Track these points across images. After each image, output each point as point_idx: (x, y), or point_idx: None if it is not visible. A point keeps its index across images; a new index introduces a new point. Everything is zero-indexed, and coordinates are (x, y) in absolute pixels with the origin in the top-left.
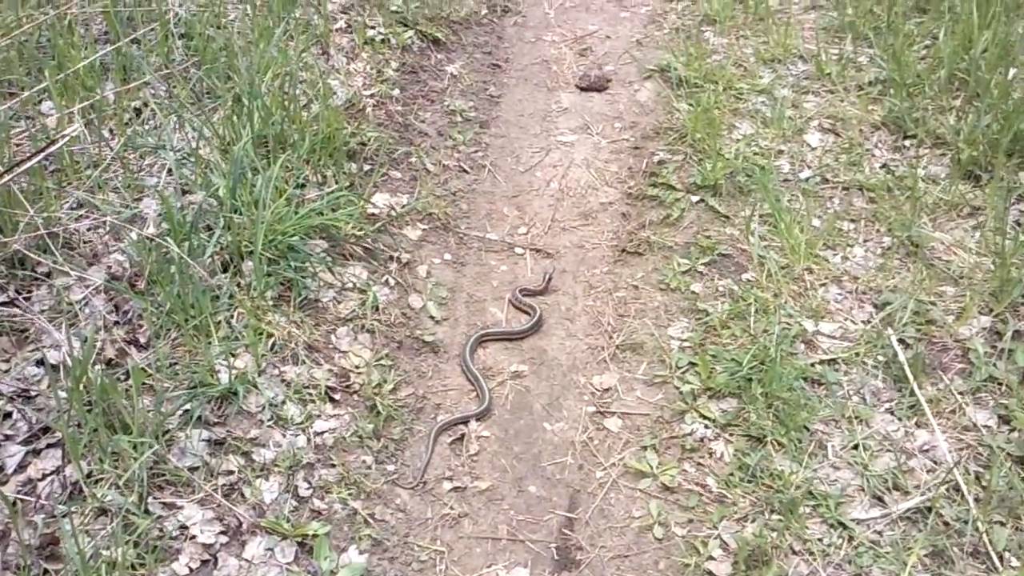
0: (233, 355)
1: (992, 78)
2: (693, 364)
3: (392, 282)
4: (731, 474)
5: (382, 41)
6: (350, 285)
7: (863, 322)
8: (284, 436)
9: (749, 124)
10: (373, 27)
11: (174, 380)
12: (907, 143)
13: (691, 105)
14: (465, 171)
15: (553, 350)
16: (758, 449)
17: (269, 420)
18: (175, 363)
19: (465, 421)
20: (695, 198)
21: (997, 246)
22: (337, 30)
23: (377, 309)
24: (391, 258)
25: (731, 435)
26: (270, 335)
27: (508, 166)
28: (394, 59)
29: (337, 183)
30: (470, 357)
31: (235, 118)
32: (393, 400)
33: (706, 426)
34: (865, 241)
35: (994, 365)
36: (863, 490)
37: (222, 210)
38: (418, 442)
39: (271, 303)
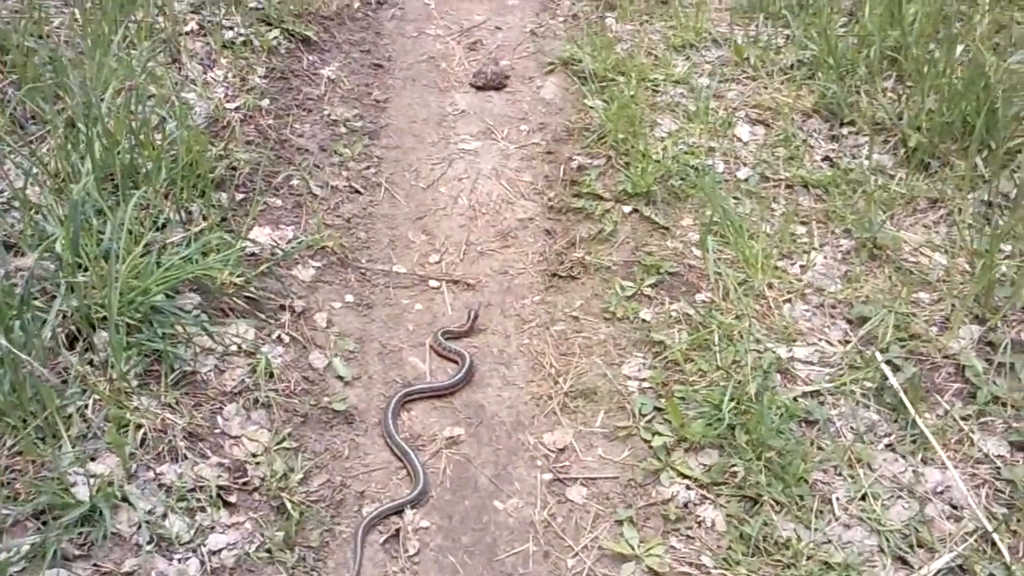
0: (92, 459)
1: (930, 54)
2: (659, 410)
3: (286, 338)
4: (730, 547)
5: (243, 43)
6: (234, 348)
7: (840, 342)
8: (170, 563)
9: (671, 119)
10: (231, 27)
11: (13, 506)
12: (844, 131)
13: (605, 102)
14: (358, 191)
15: (491, 405)
16: (755, 512)
17: (148, 543)
18: (13, 480)
19: (398, 511)
20: (627, 208)
21: (968, 244)
22: (188, 33)
23: (271, 376)
24: (281, 307)
25: (719, 496)
26: (138, 426)
27: (407, 182)
28: (259, 64)
29: (206, 220)
30: (393, 425)
31: (70, 148)
32: (305, 494)
33: (688, 487)
34: (822, 245)
35: (994, 383)
36: (883, 551)
37: (62, 270)
38: (342, 546)
39: (136, 383)
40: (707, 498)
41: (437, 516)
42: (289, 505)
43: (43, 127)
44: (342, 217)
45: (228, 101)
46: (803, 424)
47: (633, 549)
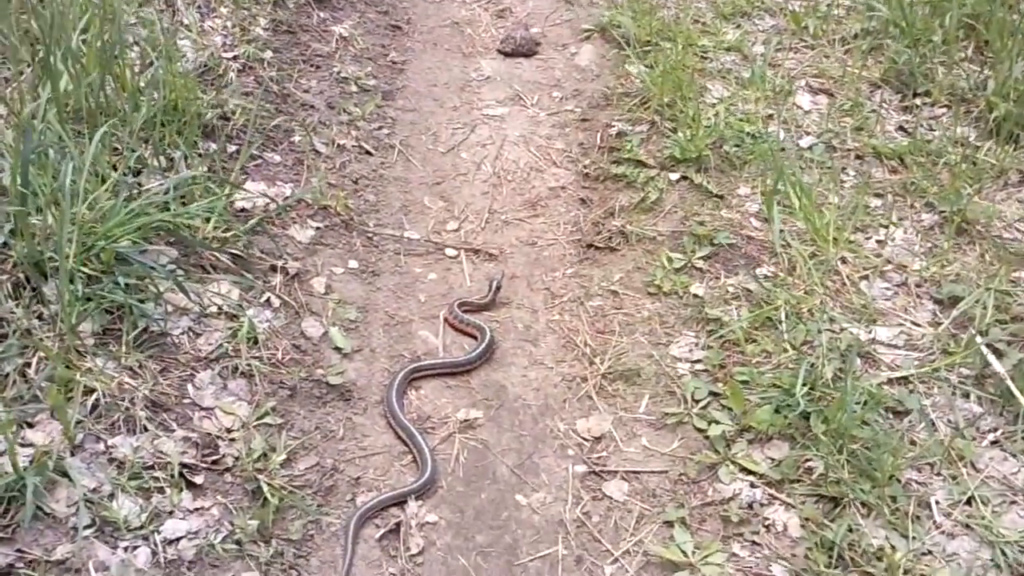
0: (30, 426)
1: (1016, 19)
2: (716, 395)
3: (276, 302)
4: (807, 556)
5: None
6: (214, 309)
7: (930, 324)
8: (114, 551)
9: (722, 86)
10: None
11: None
12: (918, 101)
13: (648, 66)
14: (368, 152)
15: (515, 386)
16: (837, 515)
17: (87, 527)
18: None
19: (399, 502)
20: (674, 175)
21: None
22: None
23: (255, 342)
24: (273, 269)
25: (791, 496)
26: (90, 390)
27: (423, 146)
28: (263, 16)
29: (190, 168)
30: (398, 403)
31: (39, 85)
32: (287, 478)
33: (752, 484)
34: (900, 219)
35: None
36: (999, 566)
37: (8, 206)
38: (330, 541)
39: (92, 342)
40: (776, 498)
41: (447, 510)
42: (267, 490)
43: (13, 66)
44: (348, 178)
45: (226, 51)
46: (890, 415)
47: (686, 556)
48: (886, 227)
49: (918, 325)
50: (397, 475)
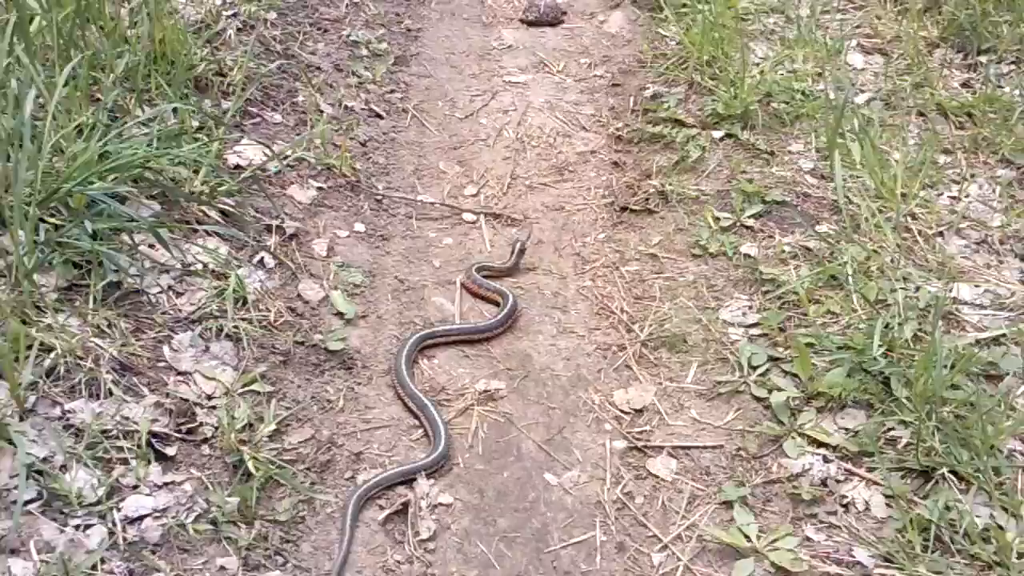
0: None
1: None
2: (777, 361)
3: (271, 262)
4: (897, 539)
5: None
6: (198, 266)
7: (1021, 282)
8: (62, 530)
9: (767, 46)
10: None
11: None
12: (983, 59)
13: (684, 29)
14: (378, 115)
15: (541, 355)
16: (931, 491)
17: (34, 502)
18: None
19: (408, 479)
20: (717, 133)
21: None
22: None
23: (244, 303)
24: (268, 229)
25: (873, 470)
26: (48, 348)
27: (440, 112)
28: None
29: (182, 123)
30: (408, 372)
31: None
32: (276, 452)
33: (825, 458)
34: (973, 176)
35: None
36: None
37: None
38: (325, 524)
39: (56, 296)
40: (854, 473)
41: (463, 490)
42: (251, 464)
43: None
44: (356, 140)
45: (225, 8)
46: (982, 379)
47: (750, 540)
48: (958, 183)
49: (1005, 284)
50: (405, 451)
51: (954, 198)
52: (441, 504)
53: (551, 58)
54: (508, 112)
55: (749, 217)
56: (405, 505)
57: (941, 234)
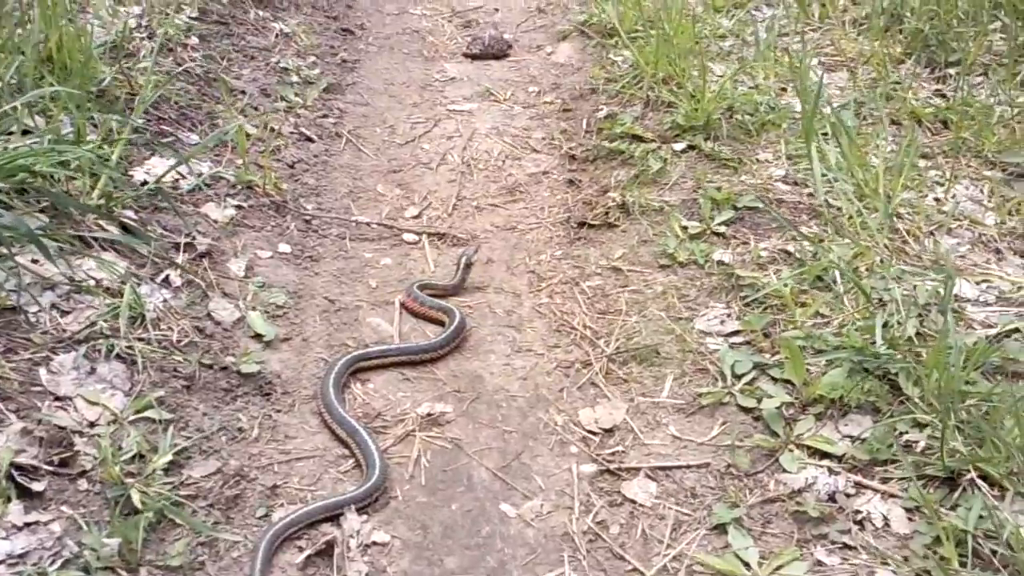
0: None
1: None
2: (764, 367)
3: (177, 280)
4: (930, 555)
5: None
6: (90, 283)
7: None
8: None
9: (724, 66)
10: None
11: None
12: (952, 71)
13: (635, 54)
14: (309, 139)
15: (494, 376)
16: (959, 499)
17: None
18: None
19: (334, 516)
20: (679, 146)
21: None
22: None
23: (142, 322)
24: (176, 247)
25: (888, 481)
26: None
27: (378, 137)
28: (191, 6)
29: (79, 135)
30: (337, 397)
31: None
32: (171, 486)
33: (830, 470)
34: (955, 177)
35: None
36: None
37: None
38: (229, 569)
39: None
40: (866, 485)
41: (403, 526)
42: (138, 499)
43: None
44: (283, 161)
45: (140, 32)
46: (998, 376)
47: (749, 568)
48: (942, 185)
49: (1007, 278)
50: (332, 484)
51: (939, 200)
52: (375, 543)
53: (497, 88)
54: (452, 138)
55: (720, 224)
56: (330, 545)
57: (931, 234)
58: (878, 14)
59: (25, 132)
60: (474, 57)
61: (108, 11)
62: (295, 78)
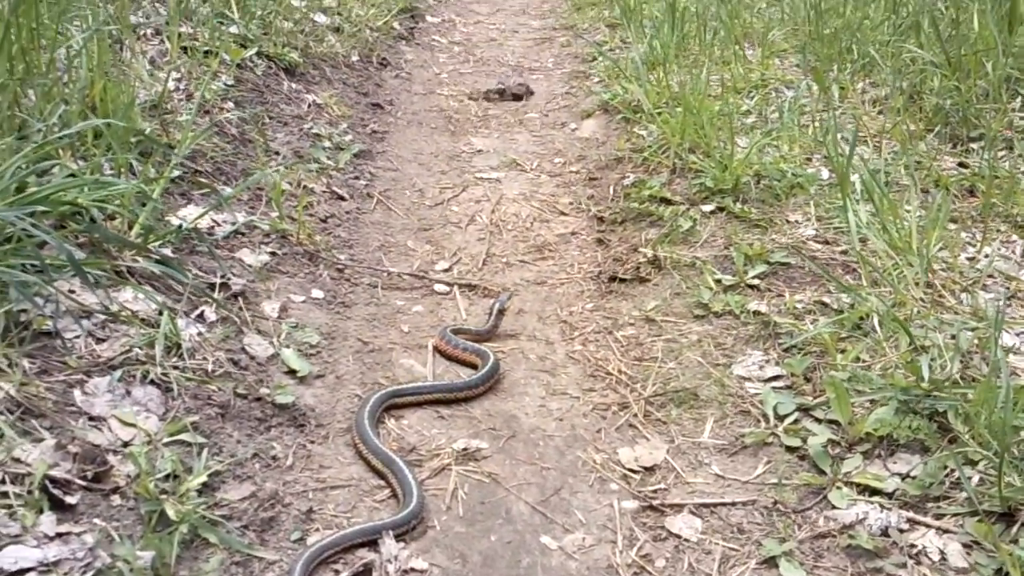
0: None
1: None
2: (807, 409)
3: (212, 316)
4: None
5: (207, 53)
6: (125, 314)
7: None
8: None
9: (748, 139)
10: (196, 39)
11: None
12: (974, 146)
13: (660, 126)
14: (341, 198)
15: (530, 416)
16: (1018, 532)
17: None
18: None
19: (371, 540)
20: (707, 207)
21: None
22: (141, 36)
23: (178, 350)
24: (211, 287)
25: (941, 517)
26: None
27: (408, 199)
28: (227, 74)
29: (117, 173)
30: (372, 429)
31: None
32: (205, 505)
33: (882, 506)
34: (985, 238)
35: None
36: None
37: None
38: None
39: None
40: (919, 521)
41: (441, 555)
42: (172, 512)
43: None
44: (315, 216)
45: (178, 93)
46: None
47: None
48: (973, 245)
49: None
50: (368, 512)
51: (972, 258)
52: (414, 569)
53: (523, 159)
54: (480, 202)
55: (753, 277)
56: (367, 569)
57: (967, 289)
58: (897, 93)
59: (68, 176)
60: (499, 94)
61: (147, 73)
62: (327, 143)
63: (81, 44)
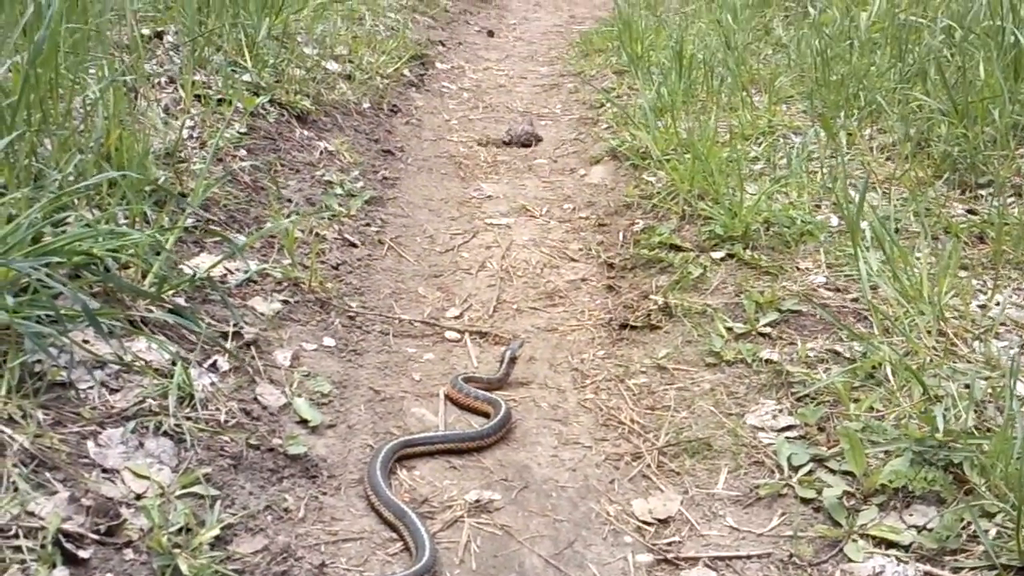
0: None
1: None
2: (821, 460)
3: (225, 365)
4: None
5: (220, 101)
6: (139, 364)
7: None
8: None
9: (756, 186)
10: (209, 87)
11: None
12: (982, 192)
13: (669, 173)
14: (352, 245)
15: (542, 467)
16: None
17: None
18: None
19: None
20: (717, 254)
21: None
22: (155, 85)
23: (191, 401)
24: (224, 336)
25: (957, 571)
26: None
27: (418, 245)
28: (240, 122)
29: (131, 223)
30: (383, 479)
31: None
32: (216, 559)
33: (899, 559)
34: (997, 286)
35: None
36: None
37: None
38: None
39: None
40: (935, 575)
41: None
42: (185, 568)
43: None
44: (327, 263)
45: (192, 141)
46: None
47: None
48: (984, 293)
49: None
50: (381, 565)
51: (983, 306)
52: None
53: (533, 205)
54: (490, 248)
55: (765, 325)
56: None
57: (979, 337)
58: (905, 140)
59: (84, 227)
60: (506, 144)
61: (161, 122)
62: (339, 190)
63: (98, 94)
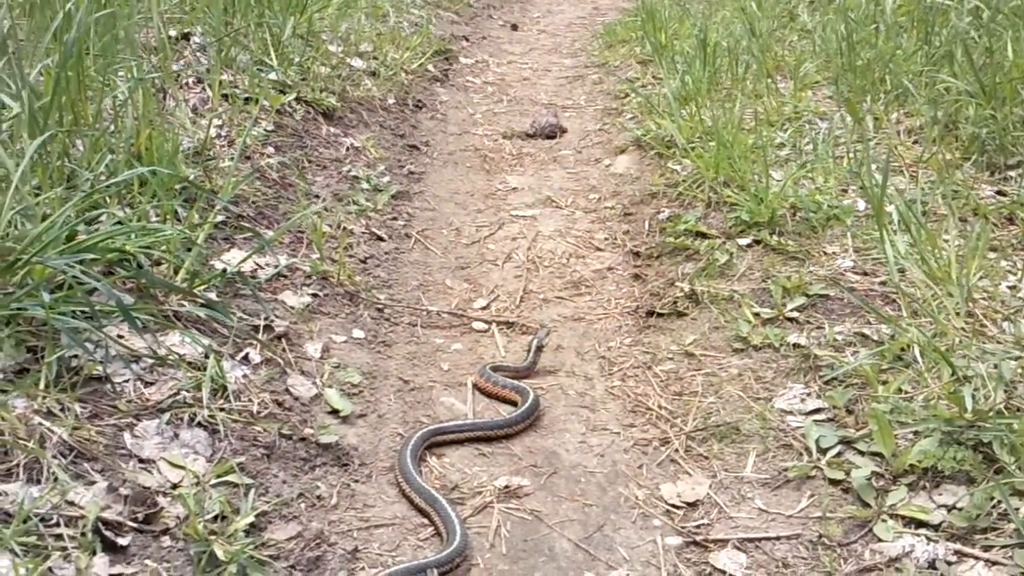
0: None
1: None
2: (849, 442)
3: (256, 358)
4: None
5: (247, 100)
6: (172, 357)
7: None
8: None
9: (782, 172)
10: (236, 86)
11: None
12: (1012, 173)
13: (694, 161)
14: (380, 239)
15: (570, 453)
16: None
17: None
18: None
19: None
20: (744, 240)
21: None
22: (183, 85)
23: (224, 392)
24: (255, 329)
25: (990, 549)
26: None
27: (445, 238)
28: (267, 120)
29: (163, 220)
30: (415, 467)
31: None
32: (252, 546)
33: (928, 538)
34: None
35: None
36: None
37: None
38: None
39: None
40: (966, 553)
41: None
42: (221, 553)
43: None
44: (355, 257)
45: (219, 139)
46: None
47: None
48: (1014, 274)
49: None
50: (412, 550)
51: (1013, 287)
52: None
53: (558, 196)
54: (516, 239)
55: (792, 310)
56: None
57: (1008, 318)
58: (932, 123)
59: (116, 224)
60: (531, 136)
61: (190, 121)
62: (365, 185)
63: (127, 95)
